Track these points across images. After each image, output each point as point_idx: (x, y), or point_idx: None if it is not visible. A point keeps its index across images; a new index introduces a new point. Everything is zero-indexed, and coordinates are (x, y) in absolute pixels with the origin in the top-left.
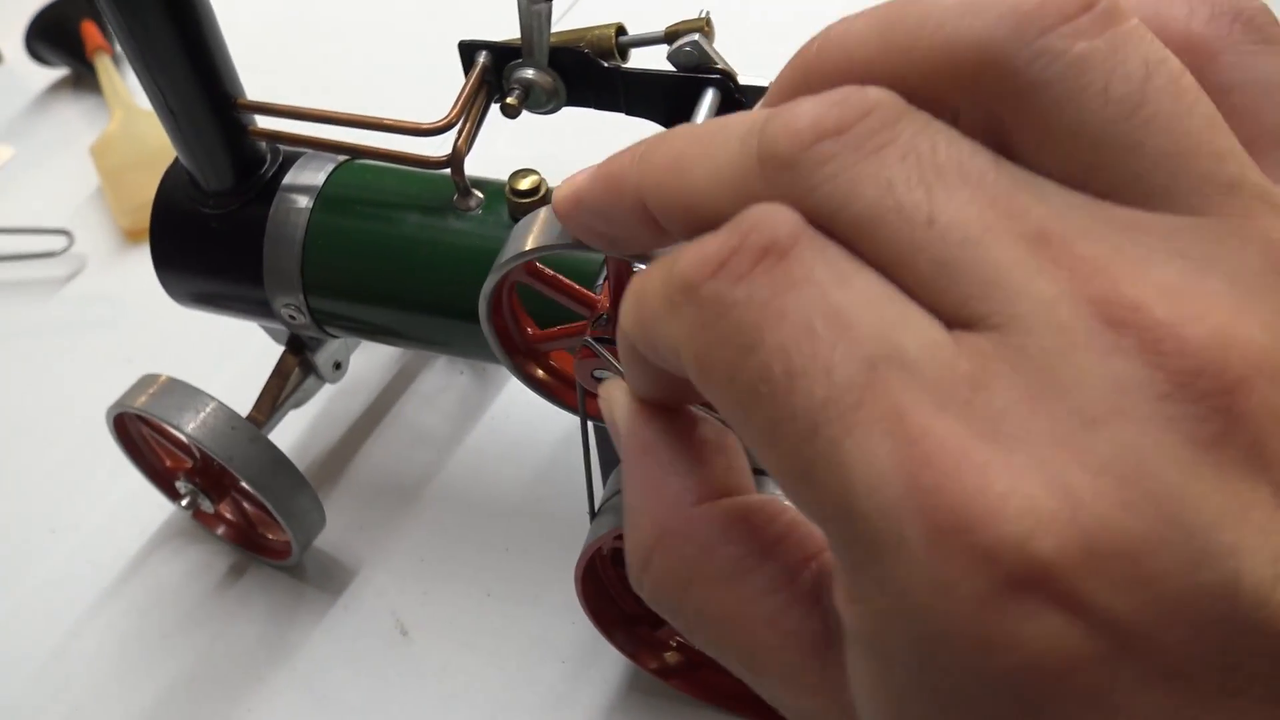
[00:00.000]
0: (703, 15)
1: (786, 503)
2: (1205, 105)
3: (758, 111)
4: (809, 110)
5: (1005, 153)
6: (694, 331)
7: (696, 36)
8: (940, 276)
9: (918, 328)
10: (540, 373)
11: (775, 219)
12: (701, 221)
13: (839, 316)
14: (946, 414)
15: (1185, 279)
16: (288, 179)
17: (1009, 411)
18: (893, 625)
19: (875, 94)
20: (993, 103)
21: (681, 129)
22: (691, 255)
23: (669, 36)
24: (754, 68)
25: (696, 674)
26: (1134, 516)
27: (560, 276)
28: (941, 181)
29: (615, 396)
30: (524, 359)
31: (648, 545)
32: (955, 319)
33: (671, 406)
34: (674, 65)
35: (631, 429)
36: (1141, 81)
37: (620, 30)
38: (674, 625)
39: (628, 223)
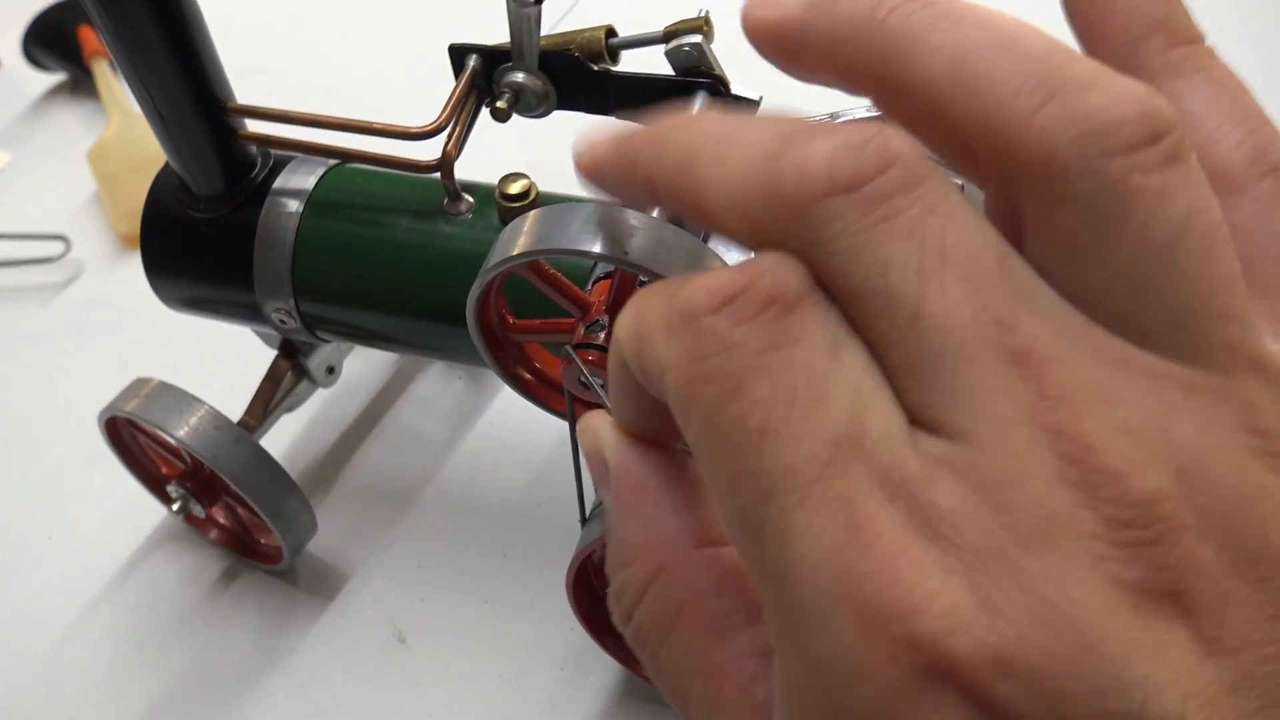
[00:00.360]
0: (702, 14)
1: None
2: (1228, 261)
3: (780, 126)
4: (825, 153)
5: (1017, 240)
6: (684, 360)
7: (697, 38)
8: (911, 375)
9: (884, 416)
10: (527, 375)
11: (787, 273)
12: (705, 220)
13: (821, 387)
14: (893, 507)
15: (1152, 424)
16: (278, 183)
17: (949, 517)
18: (809, 699)
19: (898, 144)
20: (1027, 196)
21: (701, 119)
22: (699, 285)
23: (667, 36)
24: (749, 71)
25: None
26: (1050, 637)
27: (559, 275)
28: (939, 274)
29: (600, 429)
30: (511, 362)
31: (642, 582)
32: (917, 417)
33: (657, 443)
34: (671, 65)
35: (623, 464)
36: (1179, 227)
37: (610, 32)
38: (644, 664)
39: (641, 195)
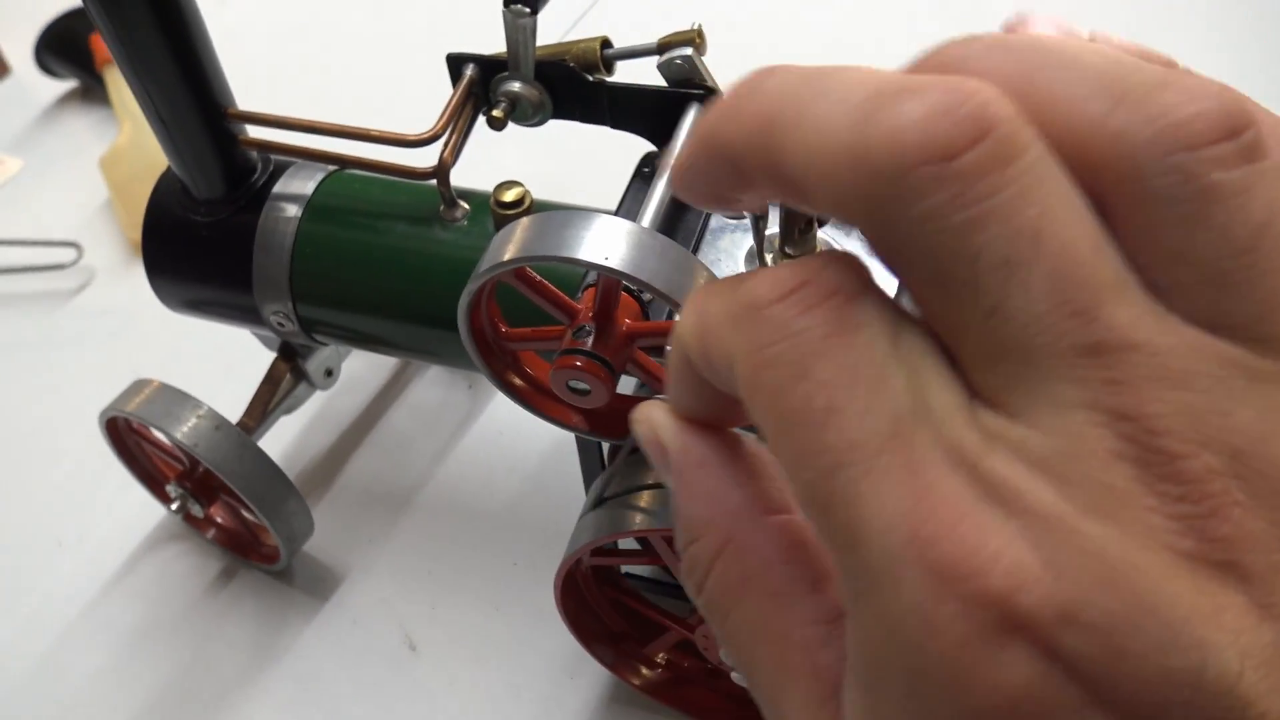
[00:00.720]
0: (694, 27)
1: None
2: None
3: (866, 81)
4: (917, 118)
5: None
6: (751, 348)
7: (689, 50)
8: (979, 358)
9: (944, 393)
10: (519, 381)
11: (847, 267)
12: (790, 193)
13: (882, 367)
14: (955, 475)
15: (1215, 408)
16: (277, 188)
17: (1010, 486)
18: (885, 657)
19: (996, 108)
20: (1109, 192)
21: (777, 74)
22: (763, 279)
23: (661, 48)
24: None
25: (679, 690)
26: (1112, 597)
27: (546, 282)
28: (1027, 268)
29: (657, 416)
30: (502, 367)
31: (711, 553)
32: (979, 393)
33: (715, 426)
34: (664, 76)
35: (683, 444)
36: (1260, 227)
37: (605, 43)
38: (716, 633)
39: (729, 182)
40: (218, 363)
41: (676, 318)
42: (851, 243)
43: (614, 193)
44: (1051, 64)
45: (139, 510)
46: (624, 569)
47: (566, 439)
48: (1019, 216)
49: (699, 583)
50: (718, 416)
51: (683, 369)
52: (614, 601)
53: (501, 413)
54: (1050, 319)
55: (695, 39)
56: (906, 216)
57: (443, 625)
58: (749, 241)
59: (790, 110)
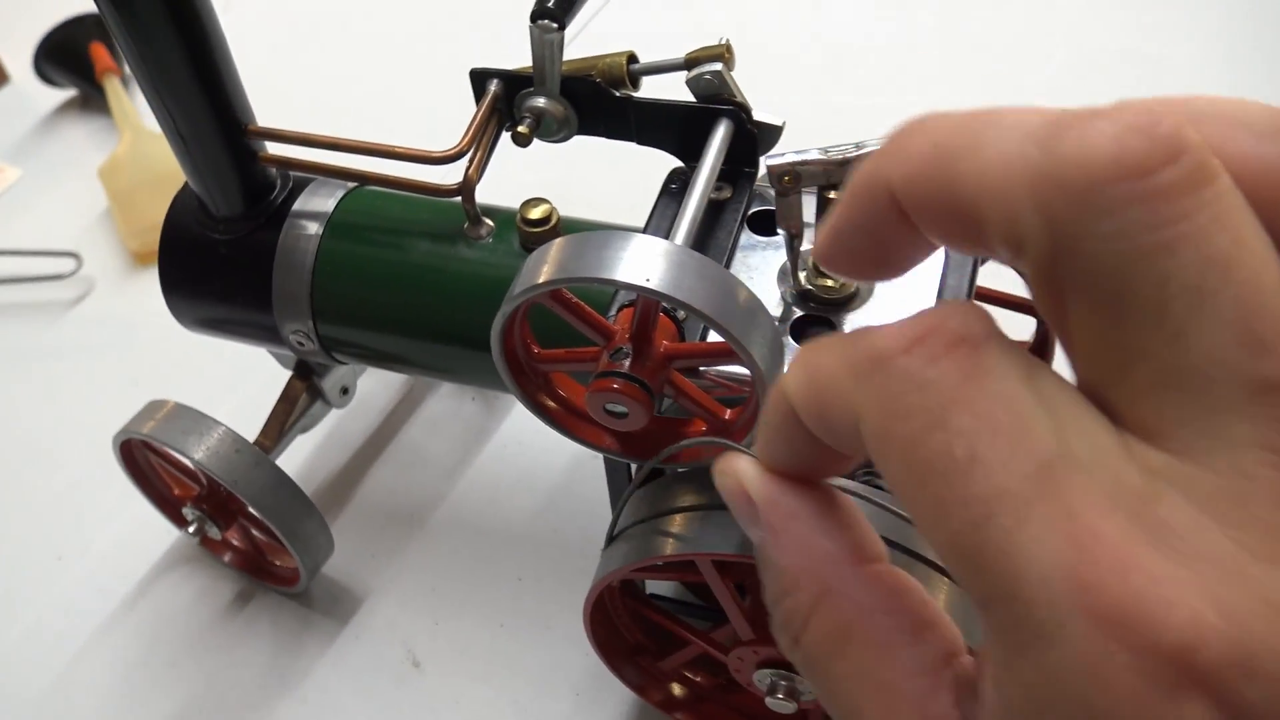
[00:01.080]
0: (723, 42)
1: (928, 596)
2: None
3: (1039, 113)
4: (1111, 134)
5: None
6: (881, 401)
7: (718, 65)
8: (1149, 394)
9: (1092, 432)
10: (551, 403)
11: (969, 314)
12: (959, 221)
13: (1021, 411)
14: (1116, 517)
15: None
16: (297, 205)
17: (1176, 528)
18: (1048, 708)
19: (1188, 132)
20: None
21: (941, 115)
22: (888, 330)
23: (689, 63)
24: (769, 95)
25: (700, 706)
26: None
27: (583, 304)
28: (1216, 296)
29: (743, 469)
30: (534, 389)
31: (808, 605)
32: (1137, 427)
33: (803, 479)
34: (693, 92)
35: (771, 495)
36: None
37: (632, 58)
38: (815, 685)
39: (885, 230)
40: (219, 372)
41: (714, 337)
42: None
43: (611, 197)
44: (1214, 111)
45: (141, 523)
46: (648, 586)
47: (570, 455)
48: (1212, 243)
49: (795, 635)
50: (812, 469)
51: (785, 424)
52: (634, 613)
53: (506, 428)
54: (1233, 351)
55: (724, 54)
56: (1094, 234)
57: (446, 641)
58: (780, 259)
59: (964, 138)
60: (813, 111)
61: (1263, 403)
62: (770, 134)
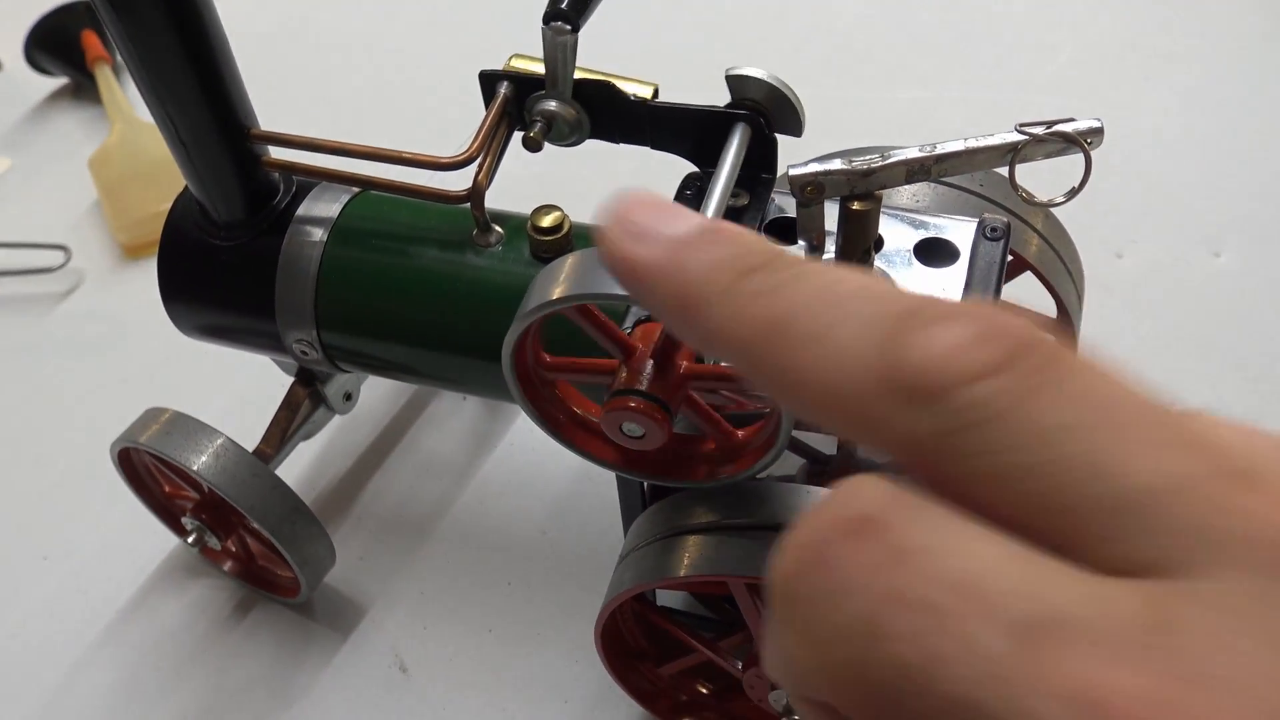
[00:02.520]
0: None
1: None
2: None
3: (884, 300)
4: (961, 338)
5: None
6: (801, 645)
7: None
8: (1098, 528)
9: (1065, 580)
10: (560, 418)
11: (860, 489)
12: (790, 403)
13: (967, 584)
14: (1130, 666)
15: None
16: (301, 210)
17: (1207, 654)
18: None
19: (1021, 328)
20: None
21: (790, 280)
22: (780, 562)
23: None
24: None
25: (700, 713)
26: None
27: (608, 320)
28: (1115, 428)
29: None
30: (544, 403)
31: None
32: (1116, 568)
33: None
34: (730, 88)
35: None
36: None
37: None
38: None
39: (687, 337)
40: (210, 368)
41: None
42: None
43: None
44: None
45: (130, 522)
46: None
47: (562, 460)
48: (1087, 391)
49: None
50: None
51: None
52: (639, 618)
53: (505, 431)
54: (1179, 459)
55: None
56: (958, 426)
57: (434, 647)
58: None
59: (805, 324)
60: (816, 107)
61: (1243, 491)
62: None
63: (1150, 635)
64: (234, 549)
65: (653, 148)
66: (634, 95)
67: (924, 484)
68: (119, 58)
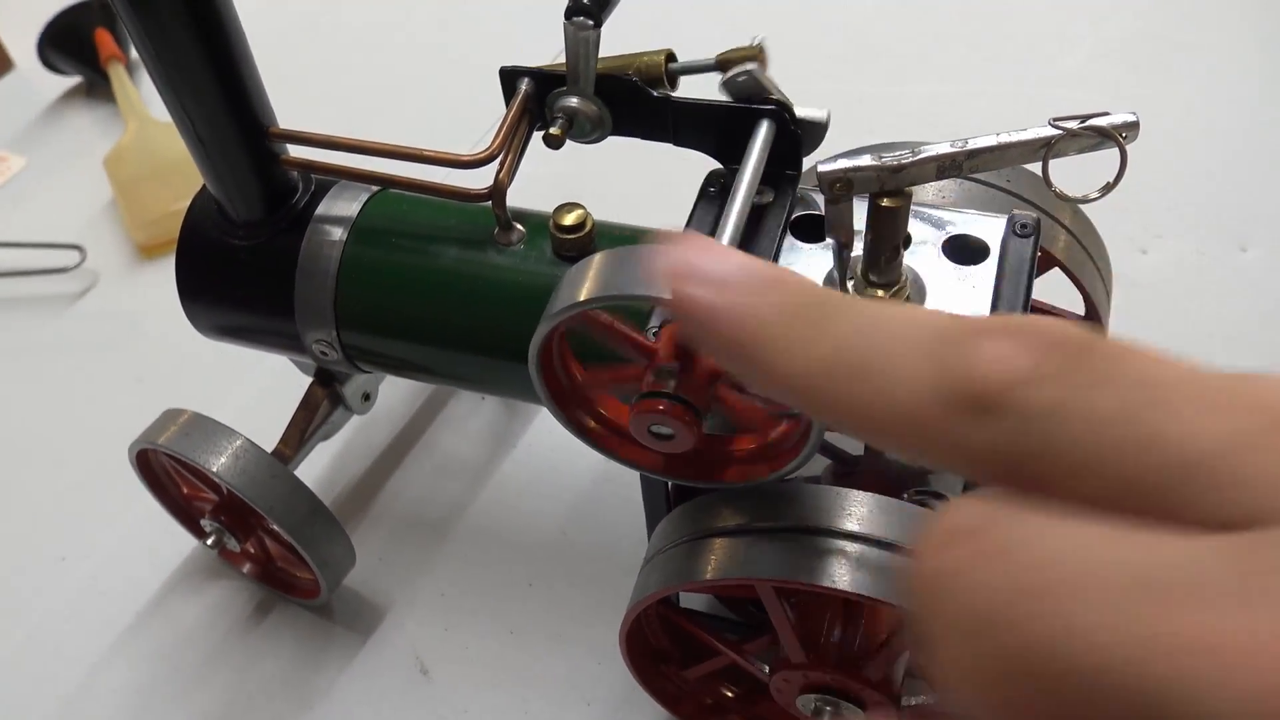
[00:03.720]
0: (755, 43)
1: None
2: None
3: (925, 326)
4: (1011, 345)
5: None
6: (964, 660)
7: (751, 66)
8: (1186, 490)
9: (1166, 545)
10: (590, 422)
11: (961, 508)
12: (881, 439)
13: (1078, 560)
14: (1233, 612)
15: None
16: (320, 209)
17: None
18: None
19: (1056, 326)
20: None
21: (832, 323)
22: (912, 596)
23: (721, 65)
24: (805, 87)
25: (724, 716)
26: None
27: (618, 325)
28: (1170, 401)
29: None
30: (573, 407)
31: None
32: (1208, 527)
33: None
34: (730, 94)
35: None
36: None
37: (670, 57)
38: None
39: (741, 374)
40: (225, 367)
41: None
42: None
43: (627, 198)
44: None
45: (147, 522)
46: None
47: (582, 460)
48: (1137, 377)
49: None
50: None
51: None
52: (664, 620)
53: (524, 431)
54: (1239, 416)
55: (757, 55)
56: (1027, 429)
57: (455, 648)
58: (827, 264)
59: (849, 363)
60: (836, 102)
61: None
62: (813, 130)
63: (1248, 580)
64: (253, 550)
65: (676, 144)
66: (658, 92)
67: (1008, 492)
68: (133, 56)
